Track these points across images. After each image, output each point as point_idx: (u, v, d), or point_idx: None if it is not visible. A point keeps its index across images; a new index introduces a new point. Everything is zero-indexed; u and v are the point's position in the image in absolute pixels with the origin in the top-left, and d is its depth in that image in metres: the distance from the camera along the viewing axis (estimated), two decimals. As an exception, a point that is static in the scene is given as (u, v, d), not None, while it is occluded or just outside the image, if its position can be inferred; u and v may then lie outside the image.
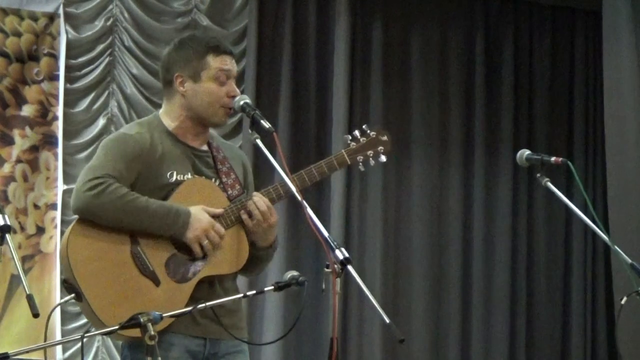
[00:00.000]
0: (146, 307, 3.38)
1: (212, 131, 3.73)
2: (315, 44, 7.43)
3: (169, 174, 3.58)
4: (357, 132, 3.80)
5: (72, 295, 3.45)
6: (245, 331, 3.72)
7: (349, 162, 3.76)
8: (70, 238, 3.49)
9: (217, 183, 3.65)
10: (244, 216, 3.60)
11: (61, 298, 6.73)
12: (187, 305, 3.46)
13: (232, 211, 3.60)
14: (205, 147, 3.70)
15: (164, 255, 3.52)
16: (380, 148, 3.80)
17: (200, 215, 3.52)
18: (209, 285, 3.58)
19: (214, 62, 3.63)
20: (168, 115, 3.68)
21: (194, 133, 3.67)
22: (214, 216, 3.56)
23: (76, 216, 3.55)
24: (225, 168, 3.69)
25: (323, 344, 6.96)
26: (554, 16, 7.99)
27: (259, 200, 3.59)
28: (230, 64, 3.66)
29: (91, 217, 3.49)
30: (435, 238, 7.60)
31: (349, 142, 3.79)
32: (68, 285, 3.47)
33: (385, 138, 3.82)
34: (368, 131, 3.80)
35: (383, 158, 3.80)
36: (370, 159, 3.79)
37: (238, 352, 3.65)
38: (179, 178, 3.59)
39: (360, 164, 3.78)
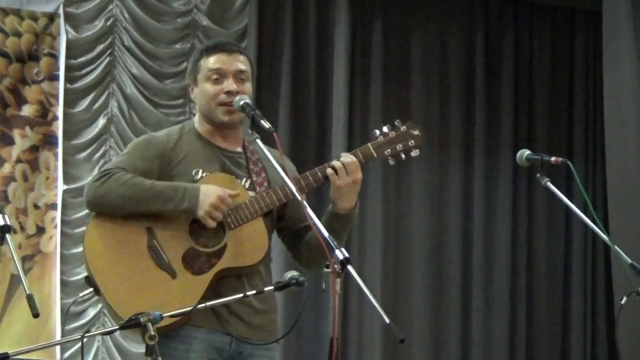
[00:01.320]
0: (162, 299, 3.42)
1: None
2: (315, 44, 7.42)
3: (194, 171, 3.62)
4: (386, 127, 3.68)
5: (91, 289, 3.50)
6: (273, 334, 3.69)
7: (375, 156, 3.65)
8: (88, 232, 3.54)
9: (248, 182, 3.65)
10: (330, 171, 3.57)
11: (61, 299, 6.72)
12: (203, 297, 3.44)
13: (251, 203, 3.57)
14: (239, 149, 3.73)
15: (181, 248, 3.53)
16: (412, 142, 3.68)
17: (208, 190, 3.52)
18: (236, 280, 3.56)
19: (204, 63, 3.71)
20: (196, 120, 3.77)
21: (218, 134, 3.71)
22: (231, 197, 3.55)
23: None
24: (257, 168, 3.69)
25: (323, 344, 6.96)
26: (554, 16, 7.99)
27: (345, 155, 3.60)
28: (220, 62, 3.69)
29: (101, 207, 3.53)
30: (435, 238, 7.59)
31: (377, 136, 3.67)
32: (89, 281, 3.51)
33: (417, 132, 3.69)
34: (398, 125, 3.70)
35: (415, 152, 3.67)
36: (401, 153, 3.66)
37: (265, 354, 3.64)
38: (204, 176, 3.62)
39: (390, 157, 3.67)
